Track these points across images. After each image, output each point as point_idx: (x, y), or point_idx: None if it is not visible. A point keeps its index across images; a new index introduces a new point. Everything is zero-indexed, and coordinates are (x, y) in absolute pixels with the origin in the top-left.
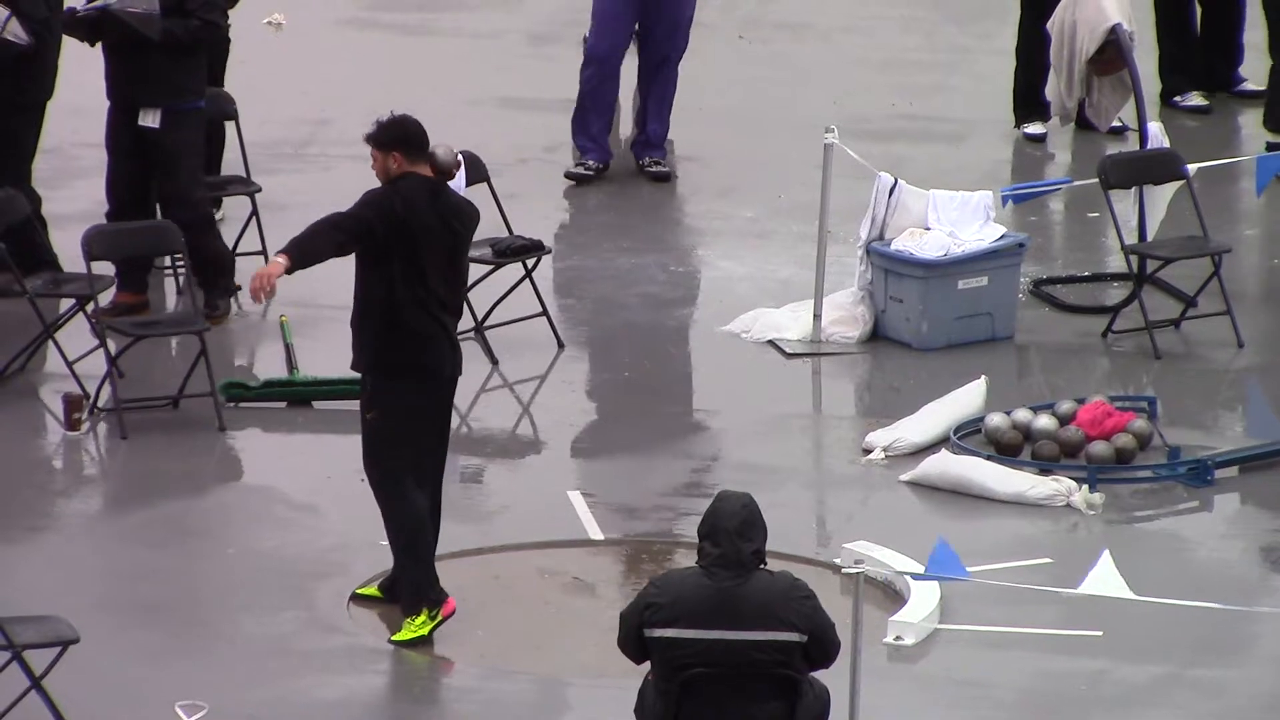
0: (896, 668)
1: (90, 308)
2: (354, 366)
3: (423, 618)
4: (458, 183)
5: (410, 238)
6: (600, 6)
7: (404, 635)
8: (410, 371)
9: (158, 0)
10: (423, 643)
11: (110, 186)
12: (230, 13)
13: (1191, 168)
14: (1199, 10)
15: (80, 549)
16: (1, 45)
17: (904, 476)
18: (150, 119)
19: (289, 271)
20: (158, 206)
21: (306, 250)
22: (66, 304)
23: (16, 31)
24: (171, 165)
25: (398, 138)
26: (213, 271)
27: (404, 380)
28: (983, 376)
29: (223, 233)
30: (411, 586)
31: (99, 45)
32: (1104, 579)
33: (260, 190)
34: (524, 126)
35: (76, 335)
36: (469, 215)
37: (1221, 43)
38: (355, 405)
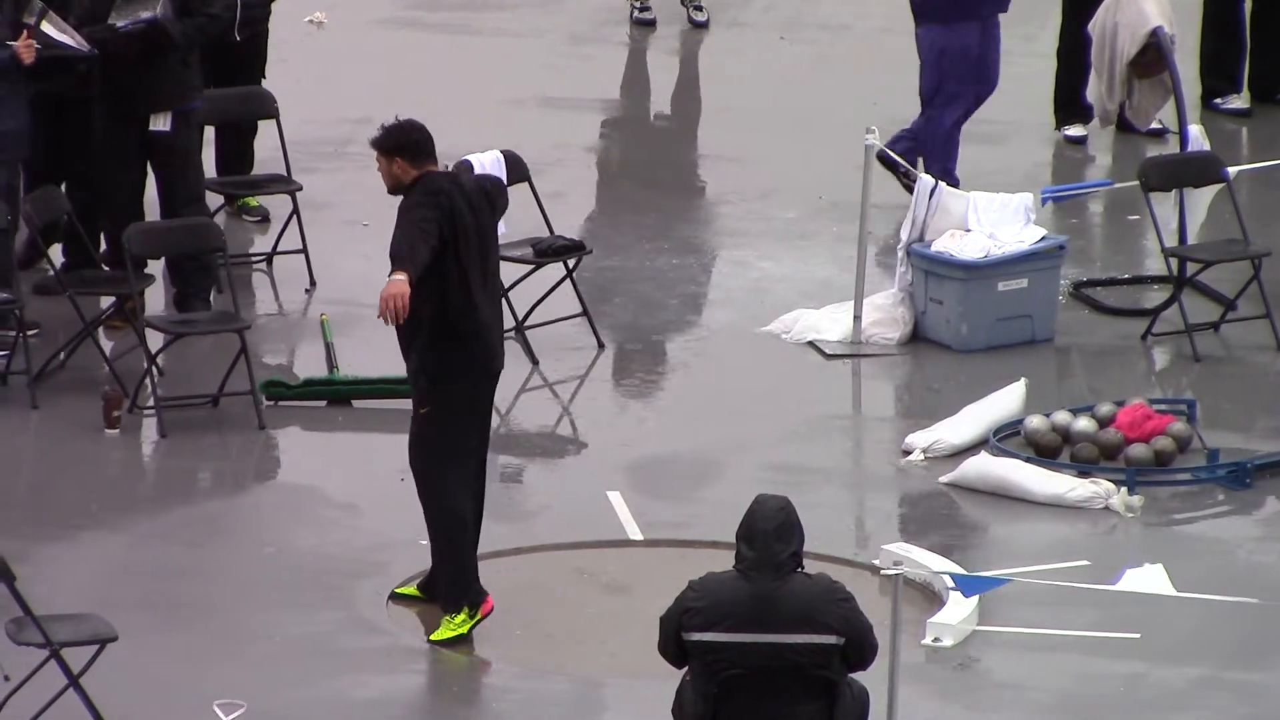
0: (935, 669)
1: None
2: (409, 369)
3: (462, 616)
4: None
5: (455, 232)
6: (957, 45)
7: (443, 634)
8: (467, 368)
9: (170, 4)
10: (461, 641)
11: (112, 195)
12: (270, 12)
13: (1232, 170)
14: (1247, 14)
15: (119, 547)
16: (50, 46)
17: (943, 478)
18: (162, 123)
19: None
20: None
21: (417, 260)
22: (106, 302)
23: (67, 30)
24: (183, 167)
25: (401, 143)
26: (203, 273)
27: (461, 377)
28: (1022, 378)
29: (265, 231)
30: (450, 584)
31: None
32: (1143, 577)
33: (301, 189)
34: (565, 126)
35: (116, 333)
36: (489, 195)
37: (1272, 49)
38: (395, 404)
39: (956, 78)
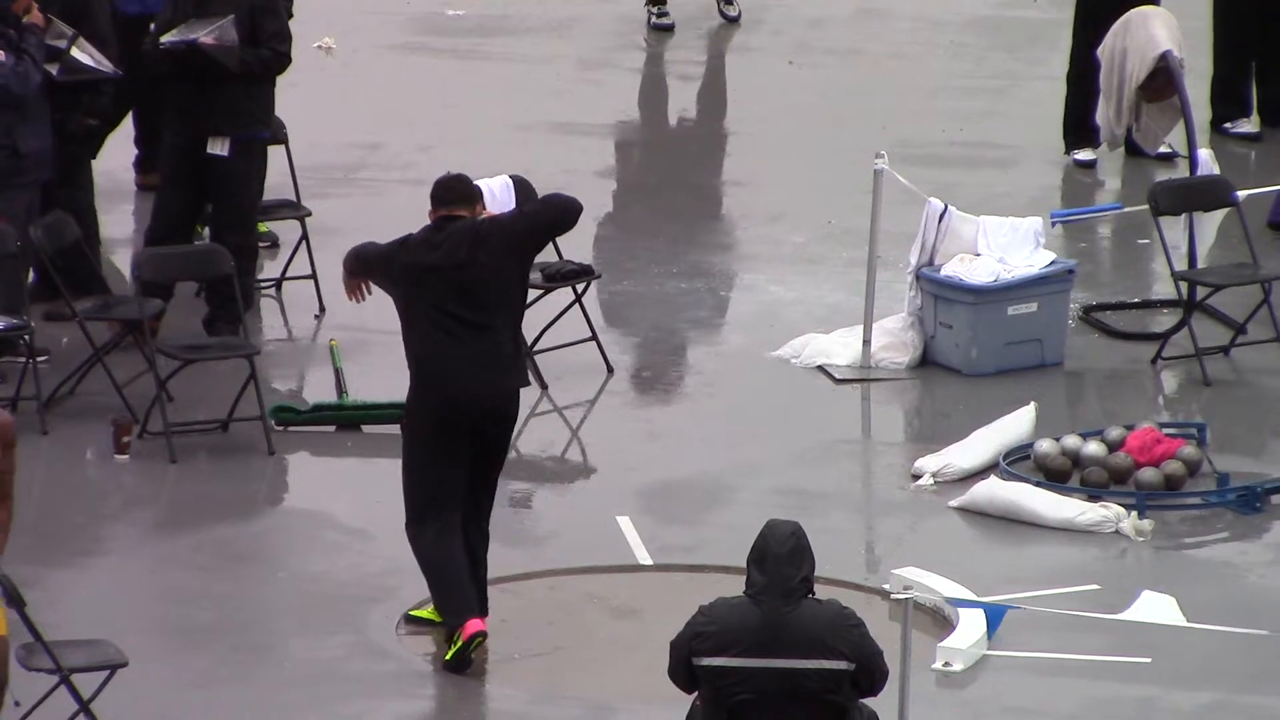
0: (945, 694)
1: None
2: None
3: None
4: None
5: (399, 279)
6: None
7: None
8: (425, 412)
9: (235, 32)
10: (467, 666)
11: (159, 212)
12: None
13: (1241, 194)
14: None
15: (129, 573)
16: (79, 70)
17: (953, 502)
18: (220, 147)
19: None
20: (208, 231)
21: (361, 255)
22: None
23: (94, 55)
24: (236, 191)
25: (432, 192)
26: (241, 302)
27: (419, 418)
28: (1032, 402)
29: (273, 256)
30: (439, 611)
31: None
32: (1152, 607)
33: (310, 215)
34: (574, 151)
35: (126, 359)
36: (480, 237)
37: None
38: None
39: None
